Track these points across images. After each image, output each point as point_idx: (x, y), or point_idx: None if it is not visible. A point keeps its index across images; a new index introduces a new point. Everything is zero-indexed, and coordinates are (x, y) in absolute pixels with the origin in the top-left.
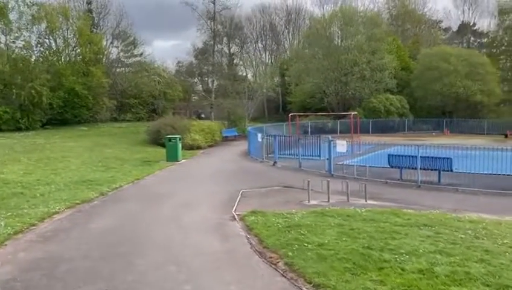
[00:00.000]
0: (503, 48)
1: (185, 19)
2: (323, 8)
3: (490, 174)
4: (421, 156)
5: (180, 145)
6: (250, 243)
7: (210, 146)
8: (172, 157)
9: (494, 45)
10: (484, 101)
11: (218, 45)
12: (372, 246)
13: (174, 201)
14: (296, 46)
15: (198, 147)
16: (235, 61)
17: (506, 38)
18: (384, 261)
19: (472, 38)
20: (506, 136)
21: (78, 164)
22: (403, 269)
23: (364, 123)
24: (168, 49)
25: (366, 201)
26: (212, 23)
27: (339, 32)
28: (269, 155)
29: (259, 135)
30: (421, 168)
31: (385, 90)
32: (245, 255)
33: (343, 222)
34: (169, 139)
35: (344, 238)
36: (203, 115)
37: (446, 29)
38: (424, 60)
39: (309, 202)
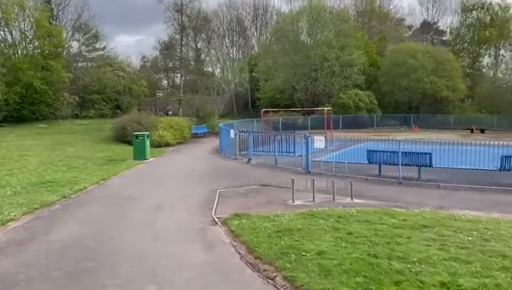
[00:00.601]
0: (466, 44)
1: (150, 13)
2: (290, 3)
3: (467, 169)
4: (402, 152)
5: (148, 143)
6: (239, 253)
7: (179, 143)
8: (140, 155)
9: (457, 41)
10: (450, 96)
11: (185, 39)
12: (377, 253)
13: (145, 204)
14: (264, 41)
15: (167, 144)
16: (202, 56)
17: (469, 35)
18: (397, 273)
19: (434, 36)
20: (472, 131)
21: (37, 163)
22: (422, 282)
23: (334, 119)
24: (131, 45)
25: (352, 199)
26: (180, 15)
27: (307, 27)
28: (242, 152)
29: (232, 131)
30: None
31: (354, 86)
32: (235, 268)
33: (337, 225)
34: (137, 136)
35: (343, 245)
36: (170, 112)
37: (409, 27)
38: (392, 56)
39: (293, 202)
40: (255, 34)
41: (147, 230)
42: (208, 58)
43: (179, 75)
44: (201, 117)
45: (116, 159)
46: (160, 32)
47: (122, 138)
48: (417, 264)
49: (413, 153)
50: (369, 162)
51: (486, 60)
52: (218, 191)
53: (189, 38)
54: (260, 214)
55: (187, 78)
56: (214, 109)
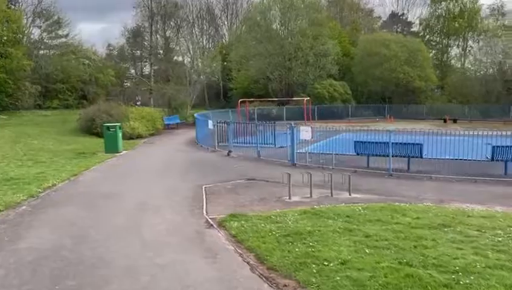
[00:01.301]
0: (436, 35)
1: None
2: None
3: (456, 159)
4: (392, 142)
5: (120, 135)
6: (248, 263)
7: (151, 135)
8: (111, 148)
9: (426, 32)
10: (422, 86)
11: (153, 27)
12: (409, 261)
13: (126, 203)
14: (235, 30)
15: (139, 136)
16: (171, 45)
17: (439, 26)
18: (445, 287)
19: (404, 28)
20: (445, 120)
21: None
22: None
23: (308, 109)
24: (96, 33)
25: (350, 194)
26: (150, 1)
27: (280, 16)
28: (220, 144)
29: (211, 122)
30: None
31: (328, 76)
32: (249, 285)
33: (349, 226)
34: (108, 128)
35: (366, 250)
36: (138, 103)
37: (379, 18)
38: (365, 46)
39: (290, 198)
40: (226, 23)
41: (134, 235)
42: (177, 48)
43: (147, 64)
44: (174, 108)
45: (86, 152)
46: (125, 20)
47: (91, 129)
48: (461, 274)
49: (404, 144)
50: (357, 154)
51: (454, 51)
52: (203, 187)
53: (158, 26)
54: (258, 213)
55: (156, 67)
56: (186, 99)
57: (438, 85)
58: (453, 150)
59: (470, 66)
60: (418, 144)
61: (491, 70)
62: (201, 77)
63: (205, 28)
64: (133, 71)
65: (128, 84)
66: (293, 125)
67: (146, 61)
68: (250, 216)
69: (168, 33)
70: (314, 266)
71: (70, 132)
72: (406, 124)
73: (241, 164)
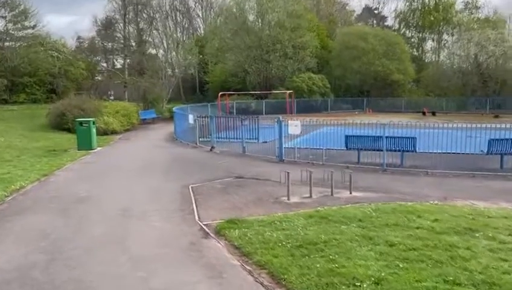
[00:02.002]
0: (411, 29)
1: None
2: None
3: (449, 153)
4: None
5: (94, 130)
6: (262, 284)
7: (127, 130)
8: (85, 144)
9: (402, 26)
10: (400, 79)
11: (126, 17)
12: (455, 278)
13: (107, 208)
14: (211, 22)
15: (114, 132)
16: (144, 37)
17: (415, 20)
18: None
19: (377, 21)
20: (424, 113)
21: None
22: None
23: (288, 103)
24: (64, 26)
25: (350, 193)
26: None
27: (257, 8)
28: (201, 139)
29: (191, 116)
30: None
31: (307, 69)
32: None
33: (366, 232)
34: (81, 123)
35: (398, 264)
36: (112, 97)
37: (353, 11)
38: (343, 39)
39: (289, 199)
40: (201, 15)
41: (119, 250)
42: (150, 40)
43: (119, 57)
44: (149, 102)
45: (57, 149)
46: (95, 12)
47: (61, 125)
48: None
49: (397, 137)
50: (347, 148)
51: (429, 45)
52: (190, 187)
53: (130, 17)
54: (259, 218)
55: (128, 61)
56: (162, 93)
57: (413, 79)
58: (446, 143)
59: (445, 60)
60: (411, 137)
61: (467, 63)
62: (177, 70)
63: (179, 20)
64: (104, 65)
65: (100, 78)
66: (280, 119)
67: (118, 54)
68: (251, 222)
69: (141, 25)
70: (344, 287)
71: (39, 127)
72: (385, 117)
73: (225, 160)
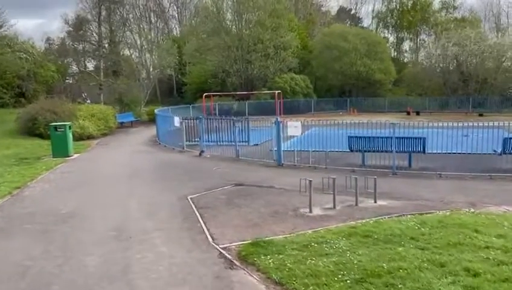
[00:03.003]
0: (390, 29)
1: None
2: None
3: (457, 153)
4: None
5: (71, 135)
6: None
7: (104, 135)
8: (61, 151)
9: (380, 26)
10: (382, 79)
11: (100, 16)
12: None
13: (97, 229)
14: (187, 22)
15: (90, 137)
16: (117, 39)
17: (393, 20)
18: None
19: (350, 22)
20: (408, 113)
21: None
22: None
23: (271, 104)
24: (32, 28)
25: (375, 202)
26: None
27: (236, 5)
28: (187, 143)
29: (177, 119)
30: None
31: (288, 69)
32: None
33: (431, 255)
34: (56, 128)
35: None
36: (88, 101)
37: (327, 12)
38: (324, 39)
39: (311, 211)
40: (176, 15)
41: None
42: (123, 41)
43: (90, 59)
44: (126, 104)
45: (30, 157)
46: (64, 13)
47: (33, 130)
48: None
49: (406, 138)
50: (350, 150)
51: (407, 45)
52: (189, 198)
53: (102, 17)
54: (288, 238)
55: (103, 62)
56: (139, 95)
57: (396, 78)
58: (451, 144)
59: (424, 59)
60: (421, 137)
61: (447, 62)
62: (154, 71)
63: (153, 20)
64: (75, 67)
65: (71, 81)
66: (278, 120)
67: (90, 56)
68: (281, 244)
69: (113, 26)
70: None
71: (8, 133)
72: (369, 117)
73: (219, 165)
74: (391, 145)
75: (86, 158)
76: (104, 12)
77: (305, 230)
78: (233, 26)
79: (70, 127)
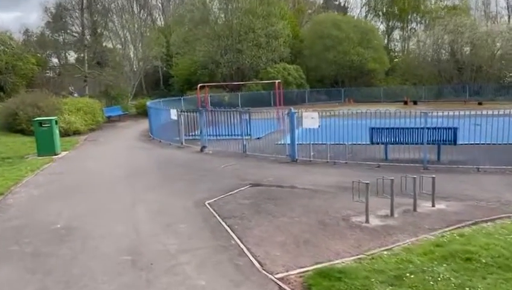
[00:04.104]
0: (381, 17)
1: None
2: None
3: (481, 144)
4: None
5: (57, 131)
6: None
7: (91, 130)
8: (47, 149)
9: (370, 14)
10: (377, 69)
11: (78, 11)
12: None
13: (103, 250)
14: (172, 12)
15: (77, 132)
16: (99, 30)
17: (384, 6)
18: None
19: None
20: (405, 102)
21: None
22: None
23: (264, 95)
24: (8, 22)
25: (433, 206)
26: None
27: None
28: (185, 138)
29: (174, 111)
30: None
31: (280, 59)
32: None
33: None
34: (40, 123)
35: None
36: (75, 94)
37: (315, 1)
38: (315, 28)
39: (368, 221)
40: (159, 5)
41: None
42: (106, 32)
43: (71, 51)
44: (113, 97)
45: (12, 156)
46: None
47: (14, 126)
48: None
49: (437, 128)
50: (372, 143)
51: (397, 34)
52: (207, 204)
53: (84, 6)
54: (363, 262)
55: (84, 53)
56: (126, 88)
57: (389, 68)
58: (486, 133)
59: (416, 48)
60: (453, 128)
61: (441, 51)
62: (140, 62)
63: (136, 11)
64: (56, 60)
65: (51, 74)
66: (292, 110)
67: (71, 48)
68: (361, 274)
69: (95, 17)
70: None
71: None
72: (366, 107)
73: (226, 162)
74: (422, 137)
75: (75, 156)
76: (85, 1)
77: (375, 249)
78: (222, 15)
79: (56, 122)
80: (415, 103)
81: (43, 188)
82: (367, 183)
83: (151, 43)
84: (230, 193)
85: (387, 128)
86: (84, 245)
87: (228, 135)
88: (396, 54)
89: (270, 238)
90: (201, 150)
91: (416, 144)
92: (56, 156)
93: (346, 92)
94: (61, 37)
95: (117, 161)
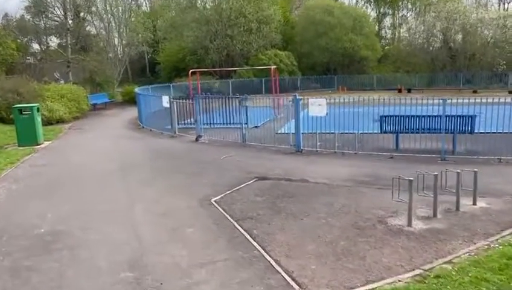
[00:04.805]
0: (374, 3)
1: None
2: None
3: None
4: (440, 115)
5: (39, 119)
6: None
7: (75, 118)
8: (28, 139)
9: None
10: (369, 56)
11: None
12: None
13: (100, 265)
14: None
15: (60, 121)
16: (82, 14)
17: None
18: None
19: None
20: (399, 90)
21: None
22: None
23: (255, 83)
24: None
25: (475, 204)
26: None
27: None
28: (176, 126)
29: (166, 98)
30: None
31: (271, 46)
32: None
33: None
34: (20, 111)
35: None
36: (62, 81)
37: None
38: (307, 14)
39: (410, 225)
40: None
41: None
42: (89, 17)
43: (53, 36)
44: (98, 84)
45: None
46: None
47: None
48: None
49: (455, 116)
50: (382, 131)
51: (388, 21)
52: (214, 202)
53: None
54: (427, 282)
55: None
56: (112, 74)
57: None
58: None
59: (407, 35)
60: (470, 115)
61: (432, 38)
62: (127, 48)
63: None
64: (37, 46)
65: (32, 61)
66: (297, 96)
67: (52, 34)
68: None
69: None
70: None
71: None
72: (360, 95)
73: (225, 153)
74: (439, 125)
75: (59, 147)
76: None
77: (432, 261)
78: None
79: (38, 109)
80: (409, 91)
81: (23, 182)
82: (410, 180)
83: (138, 27)
84: (237, 188)
85: (399, 116)
86: (74, 257)
87: (225, 124)
88: (387, 41)
89: (300, 247)
90: (197, 140)
91: (432, 132)
92: (38, 146)
93: (338, 79)
94: (42, 21)
95: (106, 152)
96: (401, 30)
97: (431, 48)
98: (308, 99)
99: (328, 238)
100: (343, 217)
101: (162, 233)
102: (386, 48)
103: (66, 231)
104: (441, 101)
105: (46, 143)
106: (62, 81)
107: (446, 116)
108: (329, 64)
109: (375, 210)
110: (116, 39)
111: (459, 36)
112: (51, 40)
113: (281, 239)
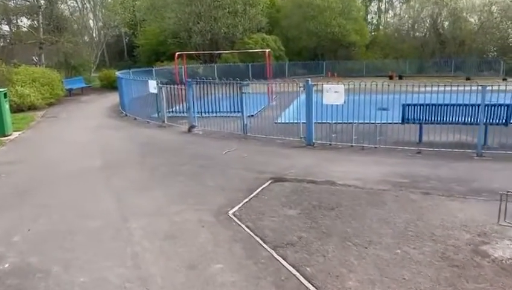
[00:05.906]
0: None
1: None
2: None
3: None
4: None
5: (7, 106)
6: None
7: (49, 104)
8: None
9: None
10: (358, 41)
11: None
12: None
13: None
14: None
15: (32, 107)
16: None
17: None
18: None
19: None
20: (391, 77)
21: None
22: None
23: (241, 68)
24: None
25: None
26: None
27: None
28: (160, 114)
29: (153, 83)
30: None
31: (258, 29)
32: None
33: None
34: None
35: None
36: (41, 64)
37: None
38: None
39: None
40: None
41: None
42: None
43: (23, 18)
44: (73, 67)
45: None
46: None
47: None
48: None
49: (494, 105)
50: (403, 121)
51: (374, 6)
52: (234, 218)
53: None
54: None
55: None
56: (89, 58)
57: (367, 41)
58: None
59: (397, 22)
60: (507, 105)
61: (424, 24)
62: (102, 31)
63: None
64: (6, 28)
65: (2, 43)
66: (310, 82)
67: (23, 15)
68: None
69: None
70: None
71: None
72: (350, 81)
73: (226, 147)
74: (476, 115)
75: (31, 139)
76: None
77: None
78: None
79: (5, 95)
80: (400, 77)
81: None
82: (509, 194)
83: (116, 7)
84: (254, 194)
85: (425, 105)
86: None
87: (220, 112)
88: (373, 27)
89: None
90: (190, 130)
91: (464, 124)
92: (6, 138)
93: (327, 65)
94: (12, 1)
95: (86, 145)
96: (387, 16)
97: (418, 34)
98: (322, 85)
99: (422, 285)
100: (420, 243)
101: (176, 274)
102: (373, 33)
103: (40, 266)
104: (453, 88)
105: (16, 134)
106: (40, 64)
107: (489, 105)
108: (317, 49)
109: (454, 231)
110: (91, 21)
111: (449, 22)
112: (21, 21)
113: (350, 284)
